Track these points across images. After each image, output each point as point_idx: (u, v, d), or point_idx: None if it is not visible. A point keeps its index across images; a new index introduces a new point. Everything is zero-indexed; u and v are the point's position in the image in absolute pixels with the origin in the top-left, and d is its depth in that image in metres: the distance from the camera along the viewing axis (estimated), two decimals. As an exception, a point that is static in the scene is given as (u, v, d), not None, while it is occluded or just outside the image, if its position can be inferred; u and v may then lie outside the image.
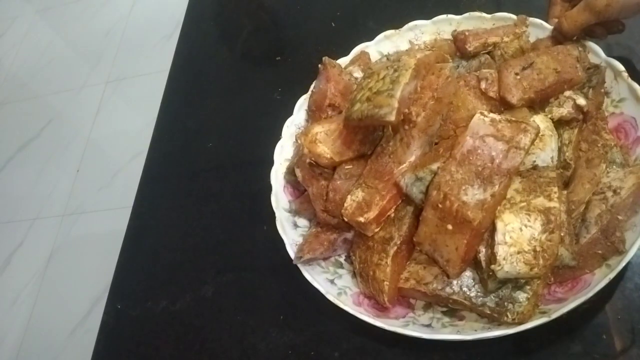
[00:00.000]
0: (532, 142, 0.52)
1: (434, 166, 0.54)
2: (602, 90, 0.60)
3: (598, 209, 0.53)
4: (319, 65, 0.70)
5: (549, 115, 0.58)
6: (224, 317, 0.67)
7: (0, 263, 1.84)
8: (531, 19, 0.67)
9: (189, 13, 1.04)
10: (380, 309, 0.57)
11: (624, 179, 0.53)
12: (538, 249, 0.49)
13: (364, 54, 0.73)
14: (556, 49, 0.61)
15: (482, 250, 0.52)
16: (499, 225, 0.50)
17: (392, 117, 0.53)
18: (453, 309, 0.55)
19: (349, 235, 0.61)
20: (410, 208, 0.57)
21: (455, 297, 0.53)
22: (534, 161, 0.56)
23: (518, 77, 0.58)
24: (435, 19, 0.72)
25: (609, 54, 0.61)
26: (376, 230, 0.57)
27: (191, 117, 0.89)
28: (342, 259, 0.63)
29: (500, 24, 0.68)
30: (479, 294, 0.53)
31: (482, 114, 0.53)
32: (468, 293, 0.53)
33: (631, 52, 0.66)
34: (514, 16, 0.68)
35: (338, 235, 0.61)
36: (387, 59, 0.72)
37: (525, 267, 0.48)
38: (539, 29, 0.66)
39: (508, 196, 0.52)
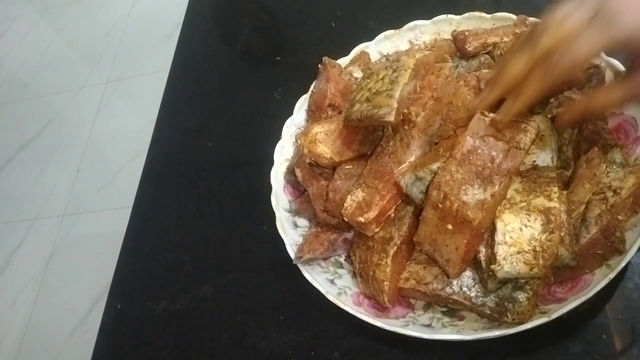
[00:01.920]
0: (532, 142, 0.52)
1: (434, 166, 0.53)
2: (602, 90, 0.60)
3: (598, 209, 0.52)
4: (319, 65, 0.70)
5: (549, 115, 0.58)
6: (224, 317, 0.67)
7: (0, 263, 1.84)
8: (531, 19, 0.67)
9: (189, 13, 1.04)
10: (380, 309, 0.57)
11: (624, 179, 0.53)
12: (538, 249, 0.49)
13: (364, 54, 0.73)
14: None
15: (482, 250, 0.52)
16: (499, 225, 0.50)
17: (391, 118, 0.53)
18: (453, 309, 0.55)
19: (349, 235, 0.61)
20: (410, 208, 0.57)
21: (455, 297, 0.53)
22: (534, 161, 0.56)
23: (518, 77, 0.58)
24: (435, 19, 0.72)
25: (609, 54, 0.61)
26: (376, 230, 0.57)
27: (191, 117, 0.89)
28: (342, 259, 0.63)
29: (500, 24, 0.68)
30: (479, 294, 0.53)
31: (482, 113, 0.53)
32: (468, 293, 0.53)
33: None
34: (514, 16, 0.68)
35: (338, 235, 0.61)
36: (387, 59, 0.72)
37: (525, 267, 0.48)
38: (539, 29, 0.66)
39: (508, 196, 0.52)
